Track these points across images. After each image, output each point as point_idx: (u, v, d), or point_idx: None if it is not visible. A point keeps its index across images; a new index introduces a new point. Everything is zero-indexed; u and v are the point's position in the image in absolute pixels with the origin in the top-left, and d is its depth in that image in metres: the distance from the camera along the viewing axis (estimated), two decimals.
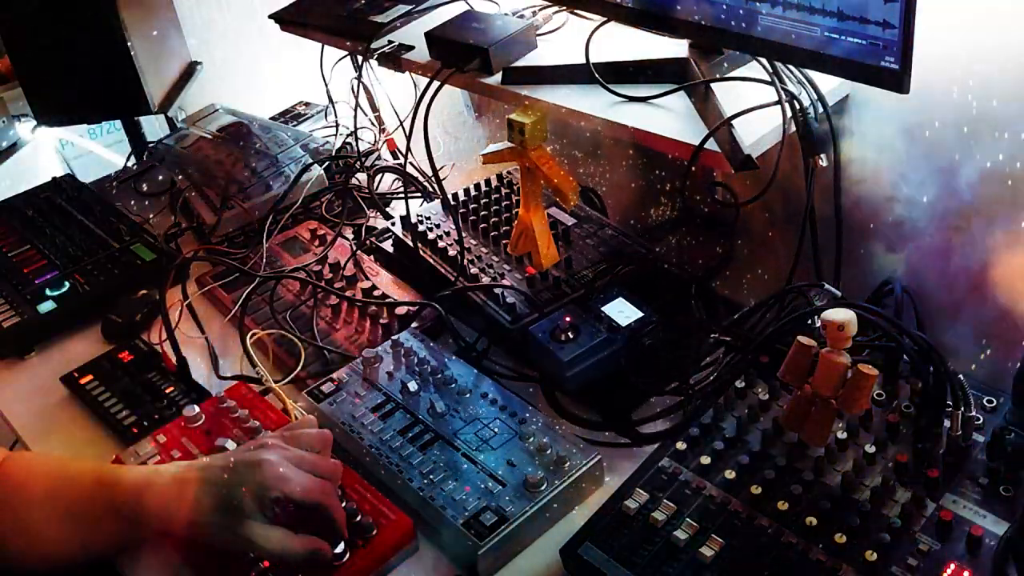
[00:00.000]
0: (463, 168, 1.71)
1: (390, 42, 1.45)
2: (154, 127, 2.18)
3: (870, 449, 0.93)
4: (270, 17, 1.66)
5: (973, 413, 0.92)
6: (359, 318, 1.30)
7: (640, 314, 1.14)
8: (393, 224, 1.43)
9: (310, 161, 1.58)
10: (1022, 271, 1.05)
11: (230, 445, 1.06)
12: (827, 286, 1.07)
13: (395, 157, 1.70)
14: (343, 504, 0.95)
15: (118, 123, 2.19)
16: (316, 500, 0.90)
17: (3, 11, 1.78)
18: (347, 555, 0.93)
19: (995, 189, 1.03)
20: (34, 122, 1.99)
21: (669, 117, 1.14)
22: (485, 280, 1.26)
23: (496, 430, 1.05)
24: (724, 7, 1.06)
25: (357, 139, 1.63)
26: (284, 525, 0.90)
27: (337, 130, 1.73)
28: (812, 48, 0.99)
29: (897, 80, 0.94)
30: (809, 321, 1.00)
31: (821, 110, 1.08)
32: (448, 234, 1.36)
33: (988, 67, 0.98)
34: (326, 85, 1.69)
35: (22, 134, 2.06)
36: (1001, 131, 1.00)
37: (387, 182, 1.66)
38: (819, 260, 1.17)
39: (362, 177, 1.61)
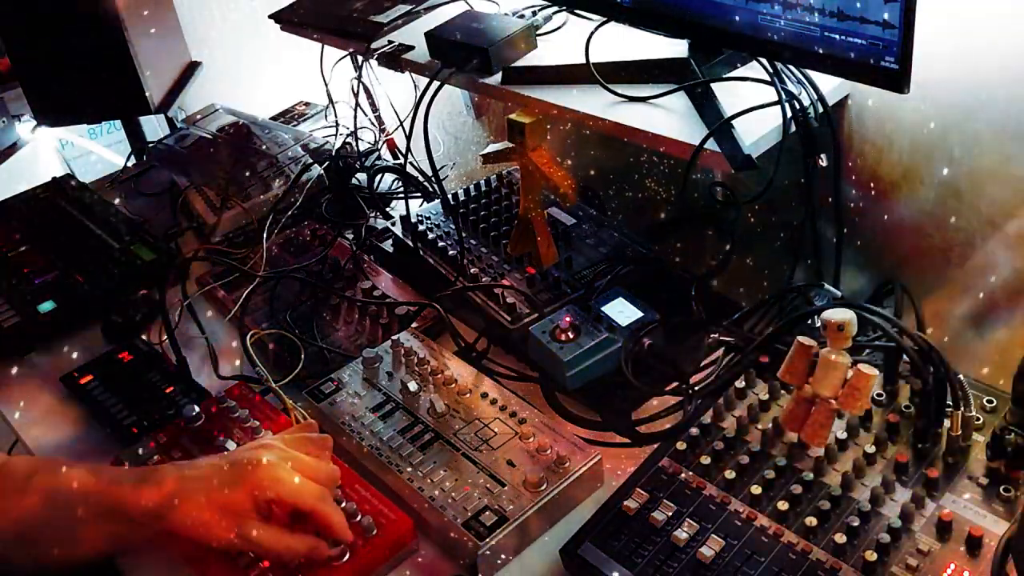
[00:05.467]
0: (463, 168, 1.71)
1: (390, 42, 1.45)
2: (154, 127, 2.18)
3: (870, 449, 0.93)
4: (270, 17, 1.66)
5: (973, 413, 0.92)
6: (359, 318, 1.30)
7: (640, 314, 1.14)
8: (393, 224, 1.43)
9: (310, 161, 1.58)
10: (1022, 271, 1.05)
11: (230, 445, 1.06)
12: (827, 286, 1.07)
13: (395, 157, 1.70)
14: (342, 504, 0.95)
15: (118, 123, 2.19)
16: (311, 505, 0.90)
17: (3, 11, 1.77)
18: (347, 555, 0.93)
19: (995, 188, 1.03)
20: (34, 122, 1.99)
21: (669, 117, 1.14)
22: (485, 280, 1.26)
23: (496, 430, 1.05)
24: (724, 7, 1.06)
25: (357, 139, 1.63)
26: (283, 525, 0.90)
27: (337, 130, 1.73)
28: (812, 48, 1.00)
29: (897, 80, 0.94)
30: (809, 321, 1.00)
31: (821, 110, 1.08)
32: (448, 234, 1.36)
33: (988, 66, 0.98)
34: (326, 85, 1.69)
35: (22, 134, 2.06)
36: (1001, 130, 1.00)
37: (387, 182, 1.66)
38: (819, 260, 1.17)
39: (362, 177, 1.61)
